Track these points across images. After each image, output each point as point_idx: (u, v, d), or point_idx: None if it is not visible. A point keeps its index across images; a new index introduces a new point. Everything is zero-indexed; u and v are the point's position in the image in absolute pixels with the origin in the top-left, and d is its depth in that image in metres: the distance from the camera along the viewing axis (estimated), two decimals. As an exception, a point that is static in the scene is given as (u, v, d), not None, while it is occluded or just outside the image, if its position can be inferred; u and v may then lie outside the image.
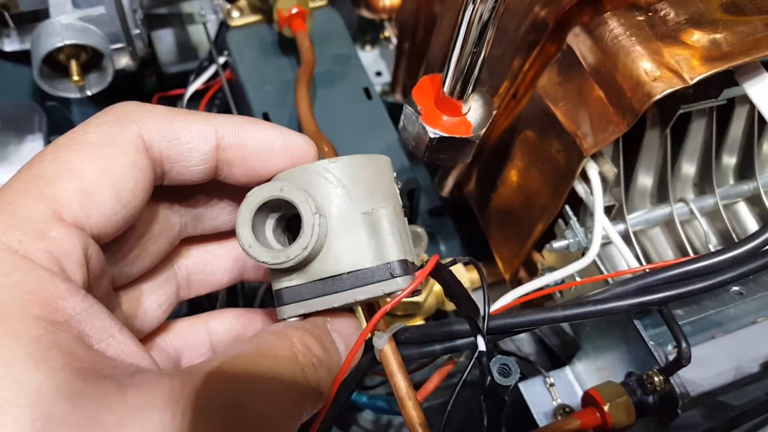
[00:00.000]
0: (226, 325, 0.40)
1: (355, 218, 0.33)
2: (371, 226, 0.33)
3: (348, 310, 0.36)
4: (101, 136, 0.30)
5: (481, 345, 0.34)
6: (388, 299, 0.33)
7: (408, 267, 0.33)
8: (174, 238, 0.37)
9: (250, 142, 0.34)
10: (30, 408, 0.23)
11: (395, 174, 0.36)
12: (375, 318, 0.33)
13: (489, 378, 0.33)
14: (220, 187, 0.37)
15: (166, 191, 0.36)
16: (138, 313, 0.36)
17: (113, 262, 0.34)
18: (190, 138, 0.33)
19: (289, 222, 0.35)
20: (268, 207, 0.33)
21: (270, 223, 0.34)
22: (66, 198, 0.28)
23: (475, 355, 0.35)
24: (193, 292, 0.40)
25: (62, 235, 0.27)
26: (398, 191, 0.35)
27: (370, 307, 0.37)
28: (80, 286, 0.27)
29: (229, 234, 0.40)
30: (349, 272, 0.32)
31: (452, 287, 0.35)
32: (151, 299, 0.37)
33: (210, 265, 0.40)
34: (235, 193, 0.37)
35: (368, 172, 0.34)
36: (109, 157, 0.30)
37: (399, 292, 0.32)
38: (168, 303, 0.38)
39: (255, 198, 0.32)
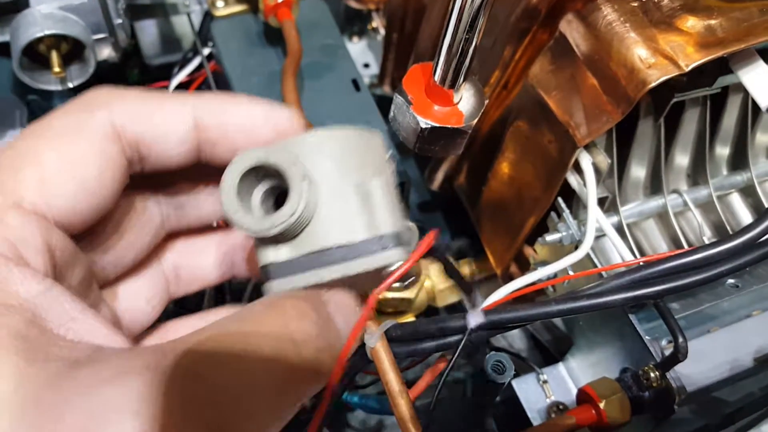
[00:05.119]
0: None
1: (345, 190, 0.30)
2: (363, 197, 0.31)
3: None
4: (67, 123, 0.30)
5: (473, 321, 0.33)
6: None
7: (402, 241, 0.31)
8: (157, 230, 0.36)
9: (231, 120, 0.33)
10: None
11: (390, 151, 0.34)
12: (380, 288, 0.31)
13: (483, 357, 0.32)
14: (200, 176, 0.36)
15: (143, 180, 0.34)
16: (127, 309, 0.35)
17: (92, 252, 0.33)
18: (165, 120, 0.32)
19: (278, 198, 0.33)
20: (254, 177, 0.31)
21: (258, 195, 0.32)
22: (25, 187, 0.28)
23: (467, 332, 0.34)
24: (182, 288, 0.39)
25: (19, 222, 0.27)
26: (393, 168, 0.33)
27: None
28: (40, 272, 0.27)
29: (216, 228, 0.39)
30: (339, 245, 0.30)
31: (449, 265, 0.34)
32: (140, 295, 0.36)
33: (198, 260, 0.39)
34: (216, 180, 0.36)
35: (360, 145, 0.32)
36: (73, 144, 0.29)
37: (393, 266, 0.30)
38: (158, 299, 0.37)
39: (240, 163, 0.30)
